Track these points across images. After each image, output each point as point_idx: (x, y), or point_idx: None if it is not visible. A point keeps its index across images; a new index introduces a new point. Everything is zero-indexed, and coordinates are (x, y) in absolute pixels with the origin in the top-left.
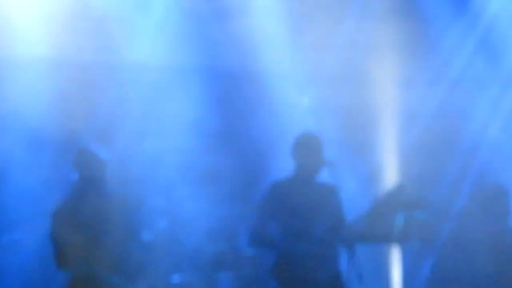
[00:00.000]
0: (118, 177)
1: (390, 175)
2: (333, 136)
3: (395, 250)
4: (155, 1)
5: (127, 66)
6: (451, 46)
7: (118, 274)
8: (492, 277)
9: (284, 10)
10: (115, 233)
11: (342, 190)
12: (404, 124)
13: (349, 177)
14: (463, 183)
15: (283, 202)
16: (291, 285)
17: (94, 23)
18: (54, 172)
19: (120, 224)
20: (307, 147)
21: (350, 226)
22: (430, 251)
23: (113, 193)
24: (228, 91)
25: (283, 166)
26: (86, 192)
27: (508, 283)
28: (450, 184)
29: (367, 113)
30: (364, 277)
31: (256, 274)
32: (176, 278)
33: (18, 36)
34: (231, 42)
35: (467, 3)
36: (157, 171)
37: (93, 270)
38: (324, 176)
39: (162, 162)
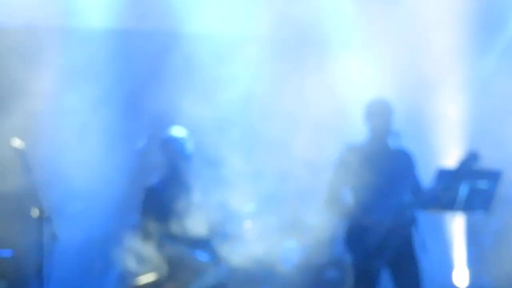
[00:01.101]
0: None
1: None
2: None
3: (459, 220)
4: None
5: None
6: None
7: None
8: None
9: None
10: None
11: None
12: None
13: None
14: None
15: (358, 166)
16: (364, 255)
17: None
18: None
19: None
20: (381, 112)
21: (418, 193)
22: (493, 221)
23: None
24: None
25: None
26: (173, 179)
27: None
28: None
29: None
30: (427, 245)
31: (318, 243)
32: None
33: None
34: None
35: None
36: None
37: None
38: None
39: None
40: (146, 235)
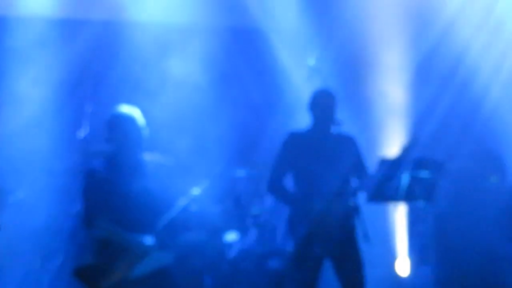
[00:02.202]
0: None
1: (395, 136)
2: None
3: (400, 209)
4: None
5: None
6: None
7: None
8: (489, 227)
9: None
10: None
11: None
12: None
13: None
14: (464, 145)
15: (301, 152)
16: (307, 244)
17: None
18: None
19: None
20: (325, 102)
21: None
22: (433, 209)
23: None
24: (233, 53)
25: (282, 128)
26: (118, 160)
27: (500, 231)
28: (451, 146)
29: (370, 70)
30: (369, 235)
31: (262, 233)
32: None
33: None
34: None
35: None
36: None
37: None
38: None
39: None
40: (88, 220)
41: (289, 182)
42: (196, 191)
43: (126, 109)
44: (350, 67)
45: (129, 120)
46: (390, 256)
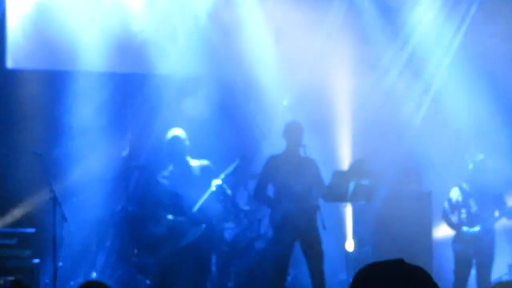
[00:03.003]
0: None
1: (345, 153)
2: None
3: (348, 207)
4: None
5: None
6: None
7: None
8: (409, 218)
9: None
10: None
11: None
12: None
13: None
14: (394, 163)
15: (278, 169)
16: (282, 231)
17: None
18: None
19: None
20: (295, 131)
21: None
22: (372, 206)
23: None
24: (231, 97)
25: (270, 146)
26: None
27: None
28: (385, 163)
29: (329, 108)
30: (326, 225)
31: (250, 224)
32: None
33: None
34: (231, 57)
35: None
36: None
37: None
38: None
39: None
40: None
41: (269, 190)
42: (213, 187)
43: (177, 131)
44: (312, 106)
45: (181, 140)
46: (341, 238)
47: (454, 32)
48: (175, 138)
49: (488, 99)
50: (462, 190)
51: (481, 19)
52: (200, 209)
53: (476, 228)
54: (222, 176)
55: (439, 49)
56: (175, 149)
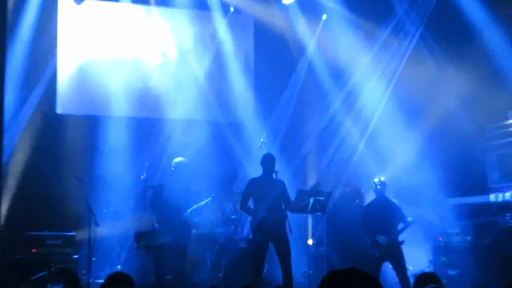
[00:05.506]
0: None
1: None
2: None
3: (308, 216)
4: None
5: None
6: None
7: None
8: (354, 226)
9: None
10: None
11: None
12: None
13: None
14: (341, 182)
15: (256, 188)
16: (259, 234)
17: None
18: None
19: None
20: (269, 161)
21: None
22: (324, 217)
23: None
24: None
25: (251, 171)
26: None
27: (359, 228)
28: (335, 183)
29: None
30: (292, 229)
31: (236, 229)
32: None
33: None
34: (221, 104)
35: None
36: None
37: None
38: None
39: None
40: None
41: (250, 204)
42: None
43: (180, 159)
44: (283, 140)
45: (185, 163)
46: (303, 240)
47: (385, 88)
48: (180, 163)
49: (416, 136)
50: None
51: (405, 78)
52: (196, 215)
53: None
54: (194, 207)
55: (374, 100)
56: (180, 170)
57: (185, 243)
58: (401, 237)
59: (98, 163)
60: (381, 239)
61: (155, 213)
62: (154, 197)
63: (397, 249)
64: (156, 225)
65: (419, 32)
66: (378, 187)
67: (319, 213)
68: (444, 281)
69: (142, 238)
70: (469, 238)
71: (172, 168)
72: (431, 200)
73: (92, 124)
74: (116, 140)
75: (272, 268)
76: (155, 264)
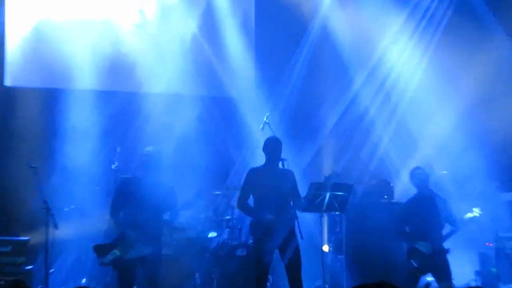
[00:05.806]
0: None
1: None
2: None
3: (323, 216)
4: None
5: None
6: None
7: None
8: (381, 229)
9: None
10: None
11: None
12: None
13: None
14: (366, 176)
15: (258, 181)
16: (263, 241)
17: None
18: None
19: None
20: (274, 146)
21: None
22: (344, 217)
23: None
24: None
25: (251, 160)
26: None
27: (388, 232)
28: (358, 177)
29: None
30: (303, 233)
31: (231, 232)
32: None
33: None
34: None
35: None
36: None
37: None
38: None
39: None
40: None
41: (250, 201)
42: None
43: (151, 148)
44: (291, 121)
45: (156, 153)
46: (317, 246)
47: (420, 58)
48: (149, 154)
49: (450, 118)
50: None
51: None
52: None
53: None
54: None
55: (406, 74)
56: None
57: (159, 252)
58: (446, 244)
59: (58, 149)
60: (423, 246)
61: (120, 214)
62: (121, 193)
63: (443, 259)
64: (130, 231)
65: None
66: (421, 178)
67: (337, 212)
68: None
69: (106, 251)
70: None
71: (143, 159)
72: (479, 194)
73: (49, 99)
74: (80, 120)
75: (278, 282)
76: (121, 280)
